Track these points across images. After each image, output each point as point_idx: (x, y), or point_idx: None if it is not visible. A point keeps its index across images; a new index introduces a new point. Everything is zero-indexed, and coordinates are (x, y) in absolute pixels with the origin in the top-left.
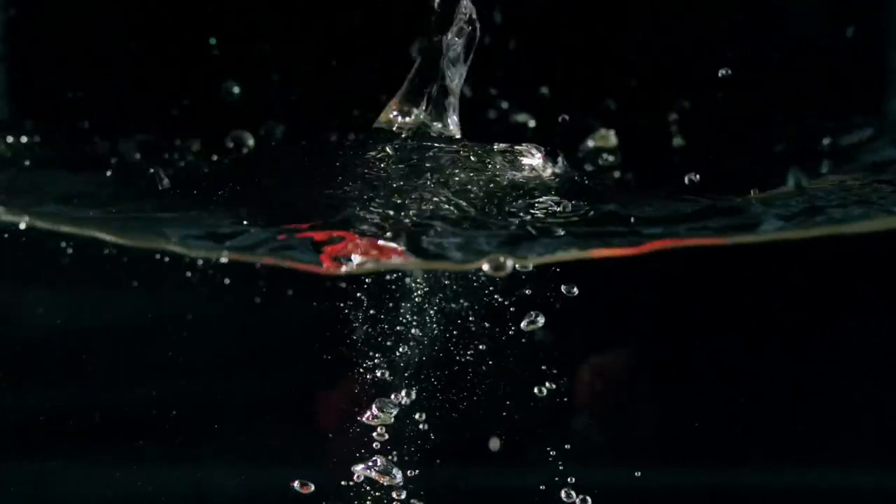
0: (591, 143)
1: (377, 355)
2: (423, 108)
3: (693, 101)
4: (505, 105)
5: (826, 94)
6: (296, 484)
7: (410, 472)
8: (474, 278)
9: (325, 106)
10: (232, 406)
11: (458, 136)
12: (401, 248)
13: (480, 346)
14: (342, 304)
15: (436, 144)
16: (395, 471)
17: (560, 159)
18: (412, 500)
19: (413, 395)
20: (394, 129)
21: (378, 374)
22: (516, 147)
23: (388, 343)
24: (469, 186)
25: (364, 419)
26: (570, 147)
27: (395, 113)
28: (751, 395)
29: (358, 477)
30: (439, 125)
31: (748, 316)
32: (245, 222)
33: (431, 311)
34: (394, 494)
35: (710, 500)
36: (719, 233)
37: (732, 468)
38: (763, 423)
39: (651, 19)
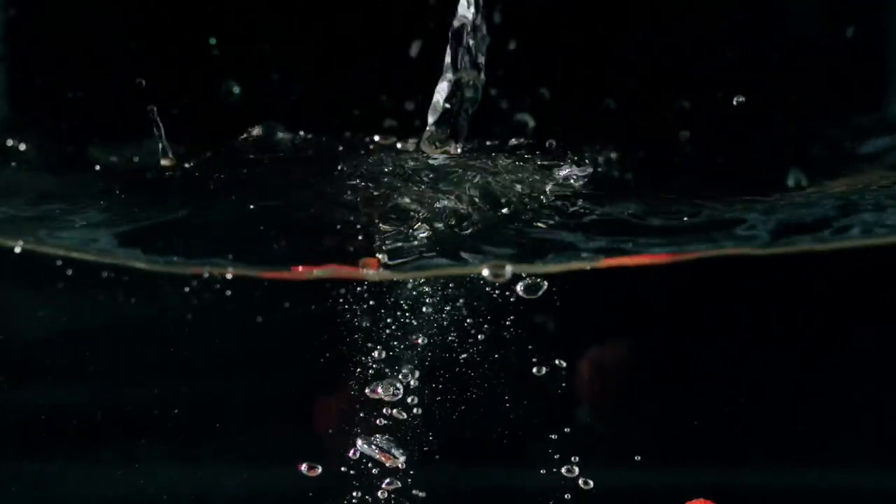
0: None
1: (377, 355)
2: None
3: (693, 101)
4: (505, 105)
5: (826, 94)
6: (303, 467)
7: (410, 473)
8: (474, 279)
9: (325, 106)
10: (232, 406)
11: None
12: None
13: (480, 346)
14: (342, 305)
15: (440, 154)
16: (396, 450)
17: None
18: (413, 491)
19: (412, 396)
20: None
21: (377, 374)
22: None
23: (388, 343)
24: (475, 192)
25: (367, 401)
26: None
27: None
28: (751, 396)
29: (355, 453)
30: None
31: (748, 316)
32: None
33: (431, 311)
34: (394, 495)
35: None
36: (719, 245)
37: (732, 468)
38: (763, 423)
39: (651, 19)
